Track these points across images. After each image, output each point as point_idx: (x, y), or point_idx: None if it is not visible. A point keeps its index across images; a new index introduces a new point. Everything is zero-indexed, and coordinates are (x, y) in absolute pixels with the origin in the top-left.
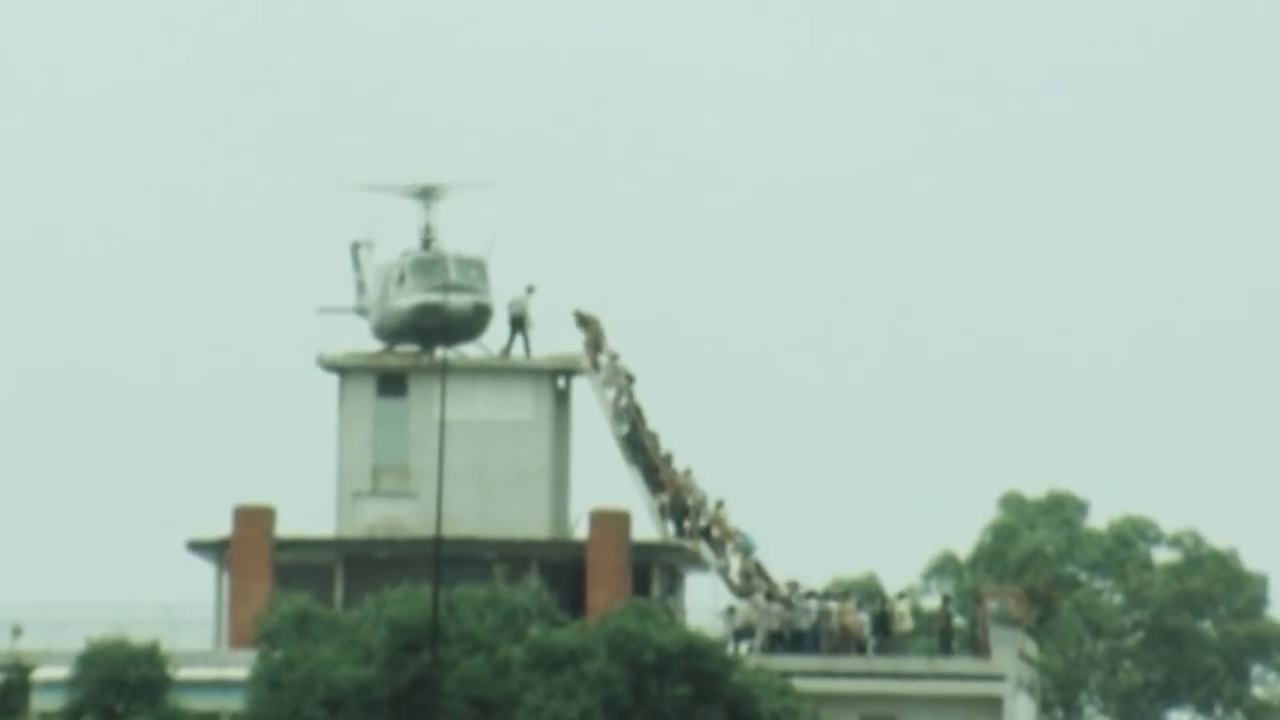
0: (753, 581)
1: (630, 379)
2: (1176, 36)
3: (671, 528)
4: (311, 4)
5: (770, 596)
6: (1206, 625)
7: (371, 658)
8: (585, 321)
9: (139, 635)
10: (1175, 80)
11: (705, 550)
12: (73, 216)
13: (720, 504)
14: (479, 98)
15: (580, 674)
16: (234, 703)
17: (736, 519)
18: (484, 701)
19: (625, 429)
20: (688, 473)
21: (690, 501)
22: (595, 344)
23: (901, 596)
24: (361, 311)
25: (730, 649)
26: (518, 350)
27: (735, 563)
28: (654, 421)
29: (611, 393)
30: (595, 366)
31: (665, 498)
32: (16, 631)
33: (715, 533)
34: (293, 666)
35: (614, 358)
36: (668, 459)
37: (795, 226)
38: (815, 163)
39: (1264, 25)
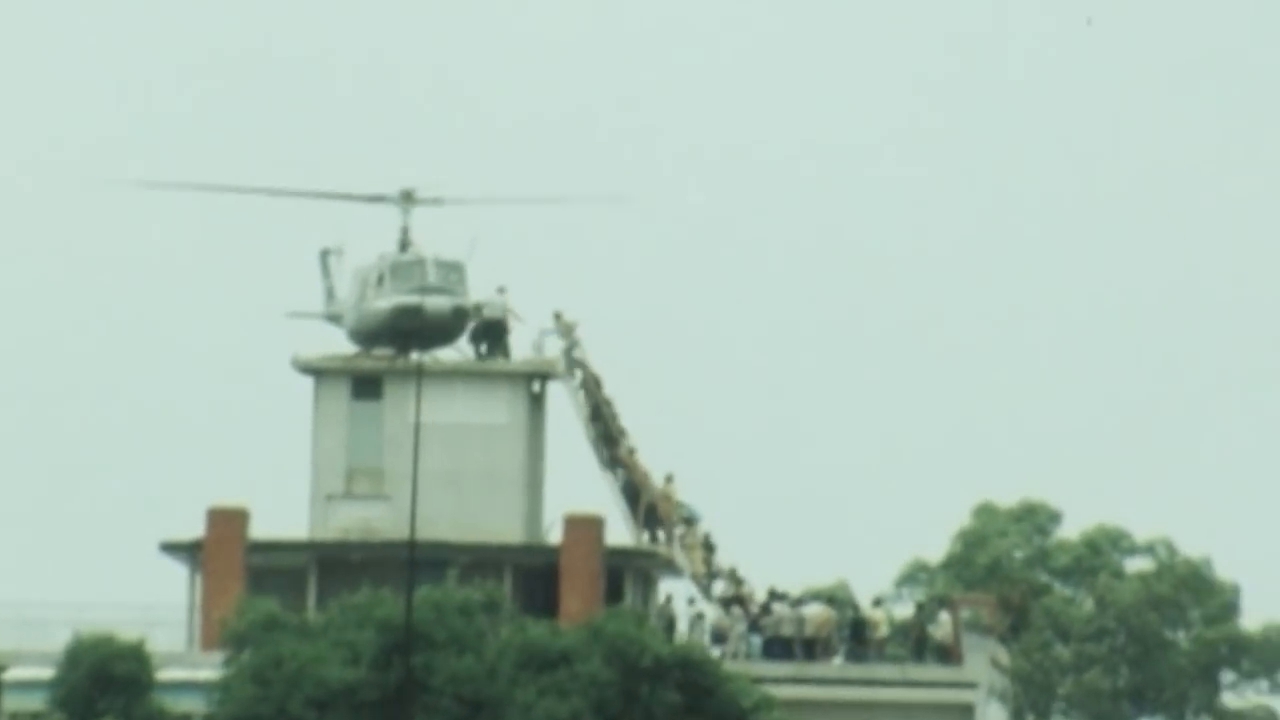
0: (708, 564)
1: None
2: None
3: (627, 508)
4: (290, 13)
5: (739, 602)
6: (1179, 635)
7: (358, 658)
8: (564, 326)
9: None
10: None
11: (679, 555)
12: (44, 220)
13: (669, 479)
14: (453, 104)
15: (573, 674)
16: (205, 705)
17: (692, 503)
18: (473, 700)
19: (578, 382)
20: (669, 479)
21: (640, 480)
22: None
23: (877, 603)
24: (331, 318)
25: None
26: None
27: (678, 532)
28: (624, 429)
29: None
30: (570, 369)
31: (622, 474)
32: None
33: (662, 509)
34: (279, 664)
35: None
36: (628, 444)
37: (767, 232)
38: (789, 162)
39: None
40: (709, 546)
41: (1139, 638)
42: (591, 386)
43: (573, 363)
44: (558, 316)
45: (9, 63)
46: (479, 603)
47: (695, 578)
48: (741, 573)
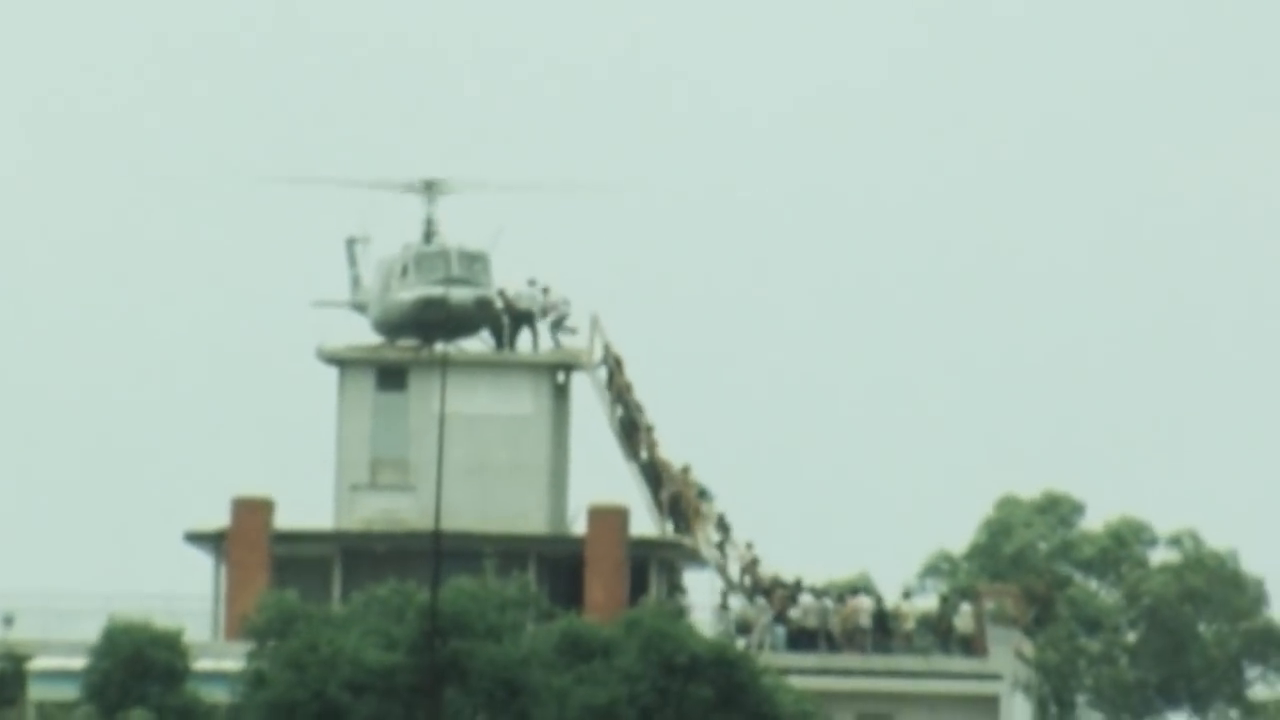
0: (723, 543)
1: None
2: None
3: (651, 497)
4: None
5: (765, 593)
6: (1203, 627)
7: (394, 644)
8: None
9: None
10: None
11: (704, 545)
12: (69, 212)
13: (686, 470)
14: (477, 93)
15: (609, 665)
16: (230, 695)
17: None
18: (509, 685)
19: (603, 372)
20: (685, 470)
21: (664, 469)
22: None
23: (907, 596)
24: (356, 306)
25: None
26: (524, 344)
27: (698, 509)
28: (648, 420)
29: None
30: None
31: (645, 456)
32: (8, 620)
33: (685, 499)
34: (315, 649)
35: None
36: (649, 428)
37: (794, 229)
38: (816, 164)
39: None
40: (724, 526)
41: (1169, 630)
42: (613, 368)
43: (561, 329)
44: (531, 282)
45: (27, 44)
46: (514, 598)
47: (719, 568)
48: (758, 551)
